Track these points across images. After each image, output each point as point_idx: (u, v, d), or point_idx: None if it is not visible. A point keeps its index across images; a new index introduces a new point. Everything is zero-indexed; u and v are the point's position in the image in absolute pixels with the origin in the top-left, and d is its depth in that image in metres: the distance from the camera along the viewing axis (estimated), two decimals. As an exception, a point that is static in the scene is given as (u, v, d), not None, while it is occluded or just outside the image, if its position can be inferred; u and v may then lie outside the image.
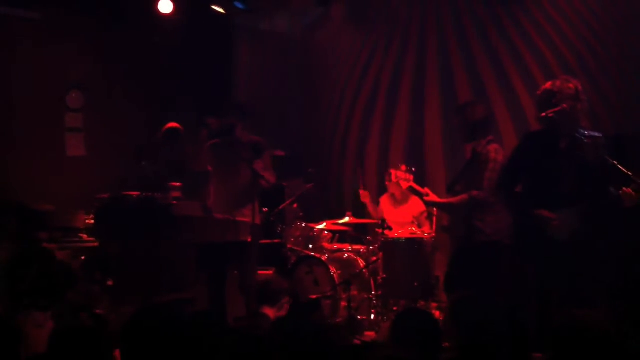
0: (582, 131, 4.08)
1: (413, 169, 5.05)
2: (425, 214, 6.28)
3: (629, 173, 3.85)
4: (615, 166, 3.91)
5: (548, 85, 4.13)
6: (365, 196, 6.52)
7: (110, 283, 4.48)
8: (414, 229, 5.97)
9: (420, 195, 5.08)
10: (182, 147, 5.59)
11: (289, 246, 6.36)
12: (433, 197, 4.96)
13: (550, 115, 4.02)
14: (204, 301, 5.10)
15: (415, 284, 5.49)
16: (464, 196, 4.78)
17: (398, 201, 6.46)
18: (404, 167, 5.04)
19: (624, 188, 3.88)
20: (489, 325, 2.55)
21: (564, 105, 3.99)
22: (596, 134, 4.10)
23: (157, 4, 7.29)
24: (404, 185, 5.02)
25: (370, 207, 6.56)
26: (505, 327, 2.57)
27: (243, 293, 5.15)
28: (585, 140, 4.03)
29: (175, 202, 4.91)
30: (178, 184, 5.25)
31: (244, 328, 3.29)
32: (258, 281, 4.91)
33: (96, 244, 5.55)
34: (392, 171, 5.13)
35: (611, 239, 4.34)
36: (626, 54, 5.83)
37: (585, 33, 6.05)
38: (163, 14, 7.32)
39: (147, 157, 5.77)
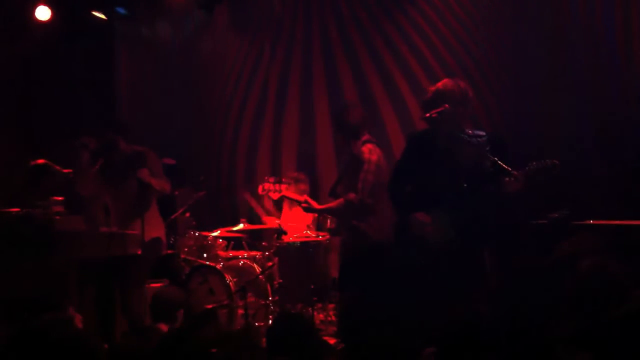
0: (467, 131, 4.13)
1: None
2: (321, 217, 6.31)
3: (509, 168, 3.95)
4: (496, 162, 3.99)
5: (439, 85, 4.14)
6: (251, 201, 6.56)
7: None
8: (309, 232, 5.98)
9: (299, 203, 5.17)
10: (48, 188, 5.13)
11: (182, 256, 6.21)
12: (312, 204, 5.06)
13: (433, 115, 4.08)
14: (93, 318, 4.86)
15: (312, 286, 5.49)
16: (340, 200, 4.89)
17: (294, 204, 6.44)
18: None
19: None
20: (374, 325, 2.57)
21: (446, 106, 4.01)
22: (480, 133, 4.15)
23: (33, 10, 6.92)
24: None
25: (260, 211, 6.57)
26: (392, 327, 2.59)
27: (125, 314, 4.91)
28: (467, 140, 4.10)
29: (57, 217, 4.65)
30: (60, 197, 4.96)
31: (128, 345, 3.15)
32: (151, 296, 4.71)
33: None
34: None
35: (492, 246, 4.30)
36: (502, 55, 6.06)
37: (462, 35, 6.26)
38: (40, 20, 6.96)
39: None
